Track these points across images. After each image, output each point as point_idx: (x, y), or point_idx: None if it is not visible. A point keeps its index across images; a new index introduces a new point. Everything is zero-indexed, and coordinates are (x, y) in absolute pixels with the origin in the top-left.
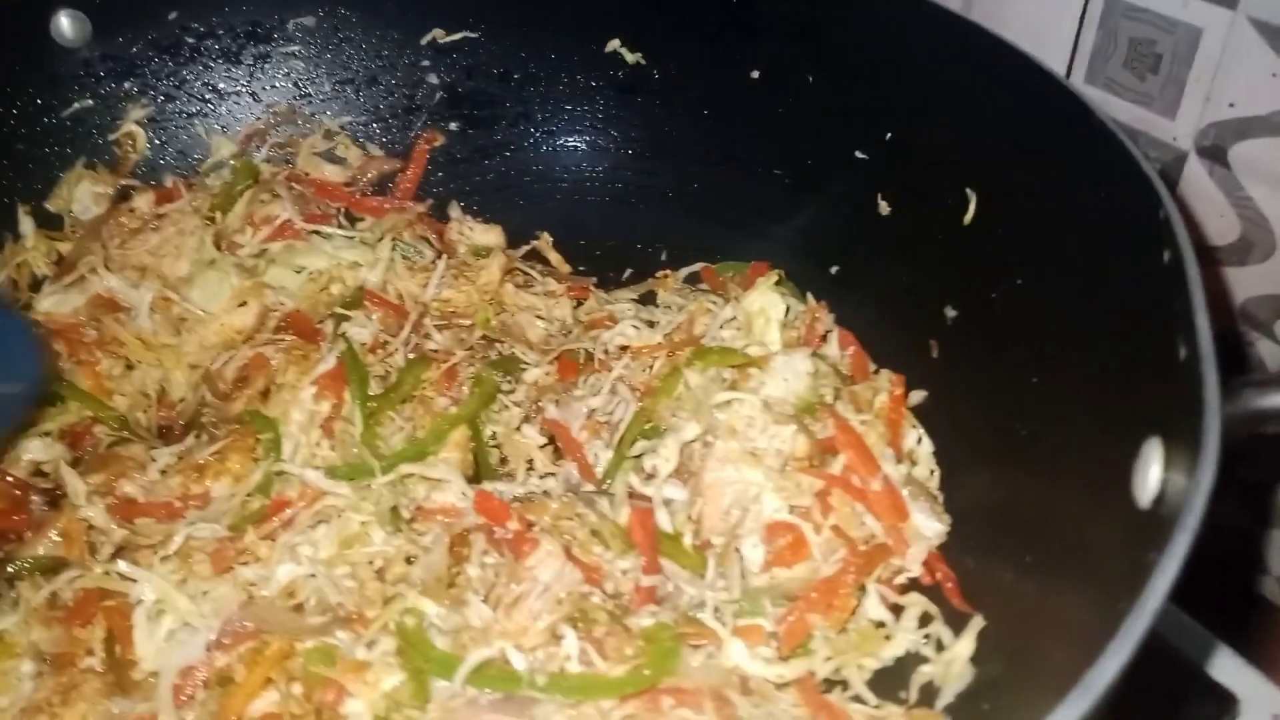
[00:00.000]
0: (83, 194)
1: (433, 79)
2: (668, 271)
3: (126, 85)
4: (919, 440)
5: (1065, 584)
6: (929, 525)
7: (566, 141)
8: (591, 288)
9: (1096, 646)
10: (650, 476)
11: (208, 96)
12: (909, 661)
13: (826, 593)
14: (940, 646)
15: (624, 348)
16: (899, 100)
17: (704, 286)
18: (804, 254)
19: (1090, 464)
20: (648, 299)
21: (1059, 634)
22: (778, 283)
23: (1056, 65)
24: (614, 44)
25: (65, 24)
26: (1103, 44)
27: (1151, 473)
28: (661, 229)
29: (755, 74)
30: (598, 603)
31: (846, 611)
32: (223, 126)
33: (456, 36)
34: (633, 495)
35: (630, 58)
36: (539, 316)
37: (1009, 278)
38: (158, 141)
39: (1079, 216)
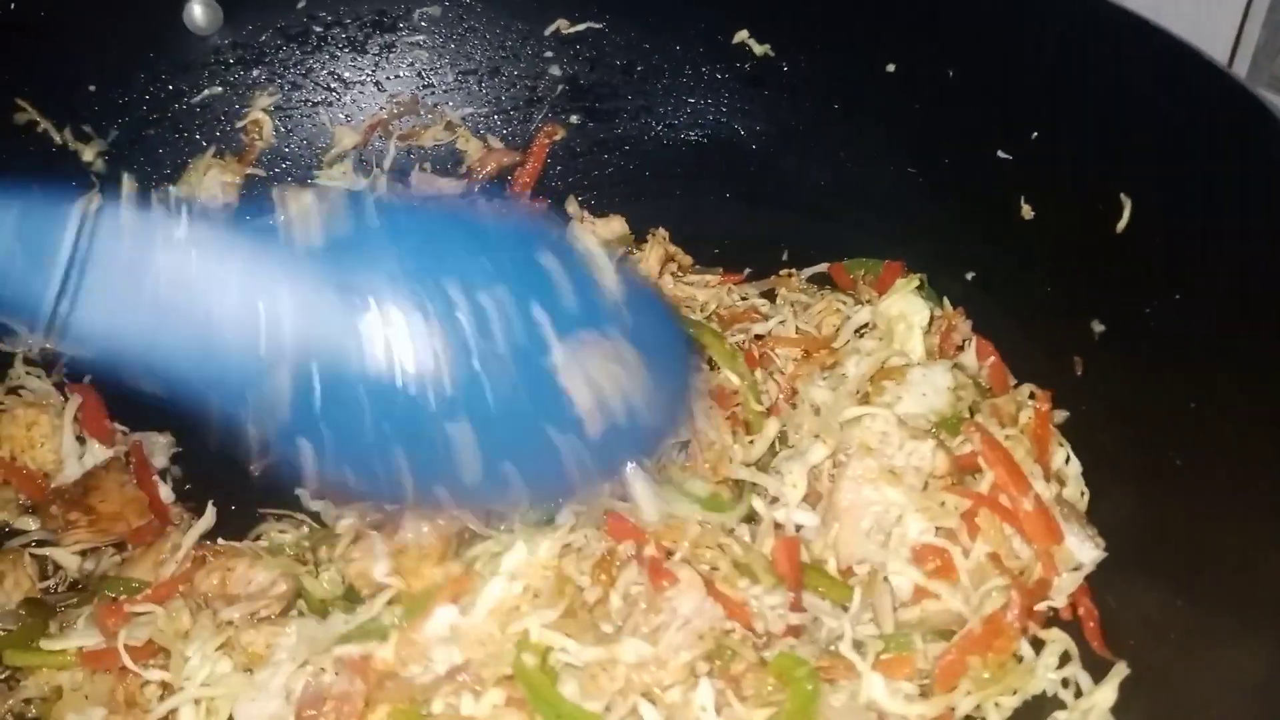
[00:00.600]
0: (210, 182)
1: (555, 70)
2: (791, 270)
3: (255, 73)
4: (1067, 459)
5: (1224, 634)
6: (1084, 550)
7: (688, 135)
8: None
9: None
10: (774, 500)
11: (333, 85)
12: (1044, 705)
13: (989, 633)
14: (1079, 692)
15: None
16: (1046, 96)
17: (824, 290)
18: (937, 259)
19: (1256, 500)
20: (768, 298)
21: (1217, 691)
22: (919, 287)
23: None
24: (742, 35)
25: (198, 11)
26: (1269, 39)
27: None
28: (784, 228)
29: (891, 67)
30: (738, 640)
31: (1007, 653)
32: (346, 116)
33: (581, 27)
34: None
35: (758, 49)
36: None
37: (1166, 292)
38: (283, 130)
39: (1248, 228)
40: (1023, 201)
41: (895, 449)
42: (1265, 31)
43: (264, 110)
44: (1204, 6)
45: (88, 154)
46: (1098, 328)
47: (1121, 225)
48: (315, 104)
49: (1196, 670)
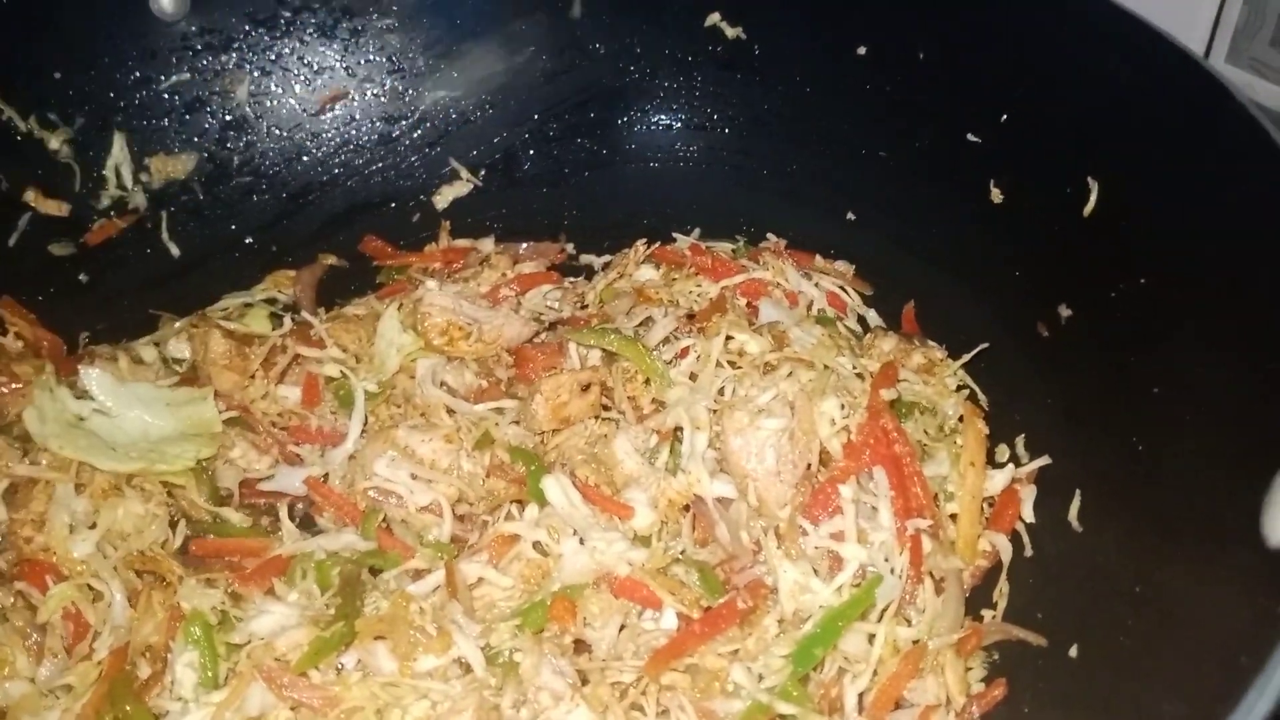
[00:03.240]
0: None
1: None
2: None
3: (223, 59)
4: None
5: (1177, 622)
6: None
7: (660, 120)
8: None
9: (1215, 706)
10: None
11: (302, 72)
12: None
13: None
14: None
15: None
16: (1017, 80)
17: None
18: (908, 243)
19: (1216, 490)
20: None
21: (1168, 683)
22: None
23: (1195, 44)
24: (714, 18)
25: None
26: (1249, 20)
27: None
28: (757, 212)
29: (862, 50)
30: None
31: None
32: (317, 101)
33: None
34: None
35: (730, 32)
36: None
37: (1132, 276)
38: (254, 115)
39: (1215, 212)
40: (992, 185)
41: (757, 391)
42: (1245, 12)
43: (235, 95)
44: None
45: (53, 142)
46: (1064, 311)
47: (1089, 209)
48: (284, 90)
49: (1150, 661)
